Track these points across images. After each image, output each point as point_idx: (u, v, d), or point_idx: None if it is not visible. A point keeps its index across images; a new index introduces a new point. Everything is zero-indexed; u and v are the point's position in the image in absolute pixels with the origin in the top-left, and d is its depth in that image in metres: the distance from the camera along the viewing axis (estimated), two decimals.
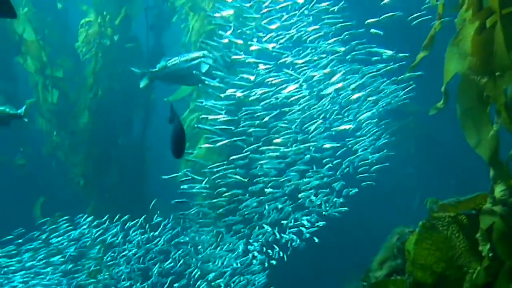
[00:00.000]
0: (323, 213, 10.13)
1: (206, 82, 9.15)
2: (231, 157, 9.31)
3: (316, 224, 10.20)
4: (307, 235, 10.13)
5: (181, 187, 9.35)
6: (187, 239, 10.33)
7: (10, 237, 10.57)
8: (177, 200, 9.30)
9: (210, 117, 9.25)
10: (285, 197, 10.00)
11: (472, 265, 4.63)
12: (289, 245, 10.36)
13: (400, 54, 9.05)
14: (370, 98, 9.78)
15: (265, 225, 10.15)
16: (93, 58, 13.73)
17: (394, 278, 4.98)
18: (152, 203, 9.53)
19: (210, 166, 9.52)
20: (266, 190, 9.74)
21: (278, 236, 10.25)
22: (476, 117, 4.84)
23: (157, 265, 10.19)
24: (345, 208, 10.00)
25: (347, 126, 9.75)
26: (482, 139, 4.73)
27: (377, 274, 5.40)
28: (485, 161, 4.70)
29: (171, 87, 12.81)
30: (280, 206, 9.99)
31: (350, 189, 10.08)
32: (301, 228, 10.19)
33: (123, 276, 10.45)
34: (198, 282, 10.20)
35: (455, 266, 4.67)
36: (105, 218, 10.41)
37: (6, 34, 14.40)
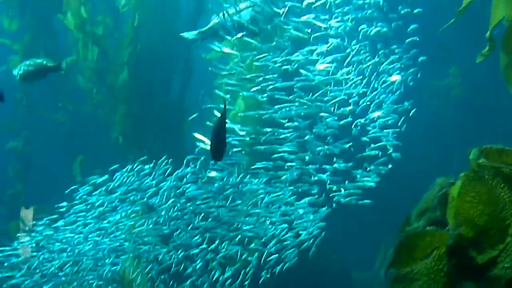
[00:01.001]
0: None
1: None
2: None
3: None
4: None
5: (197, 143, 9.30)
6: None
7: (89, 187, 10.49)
8: (192, 156, 9.27)
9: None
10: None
11: None
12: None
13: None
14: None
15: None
16: (132, 13, 13.70)
17: (431, 230, 4.87)
18: (196, 150, 9.43)
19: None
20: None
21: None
22: None
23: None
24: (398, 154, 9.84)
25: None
26: None
27: (415, 225, 5.31)
28: None
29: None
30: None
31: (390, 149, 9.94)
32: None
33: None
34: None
35: (498, 219, 4.55)
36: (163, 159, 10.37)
37: None
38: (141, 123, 13.79)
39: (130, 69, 13.75)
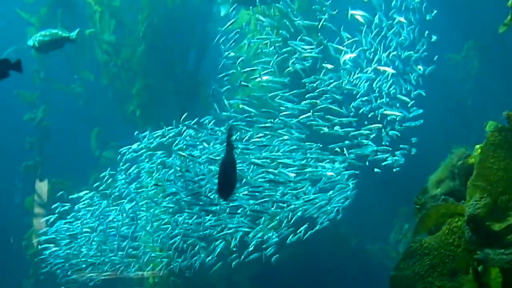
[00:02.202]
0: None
1: None
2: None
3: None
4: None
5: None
6: None
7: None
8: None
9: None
10: None
11: None
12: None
13: None
14: None
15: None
16: None
17: (445, 203, 4.80)
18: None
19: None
20: None
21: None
22: None
23: None
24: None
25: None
26: None
27: (433, 193, 5.25)
28: None
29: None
30: None
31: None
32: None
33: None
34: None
35: None
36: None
37: None
38: (158, 96, 13.73)
39: (147, 42, 13.70)
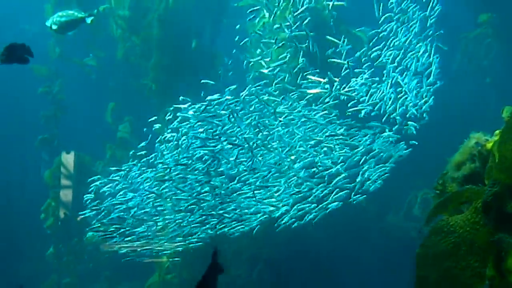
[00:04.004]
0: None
1: None
2: None
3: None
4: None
5: None
6: None
7: None
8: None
9: None
10: None
11: None
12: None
13: None
14: None
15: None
16: None
17: (469, 187, 4.87)
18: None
19: None
20: None
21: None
22: None
23: None
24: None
25: None
26: None
27: (455, 175, 5.35)
28: None
29: None
30: None
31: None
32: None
33: None
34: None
35: None
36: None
37: None
38: (173, 70, 13.86)
39: (162, 24, 13.86)
